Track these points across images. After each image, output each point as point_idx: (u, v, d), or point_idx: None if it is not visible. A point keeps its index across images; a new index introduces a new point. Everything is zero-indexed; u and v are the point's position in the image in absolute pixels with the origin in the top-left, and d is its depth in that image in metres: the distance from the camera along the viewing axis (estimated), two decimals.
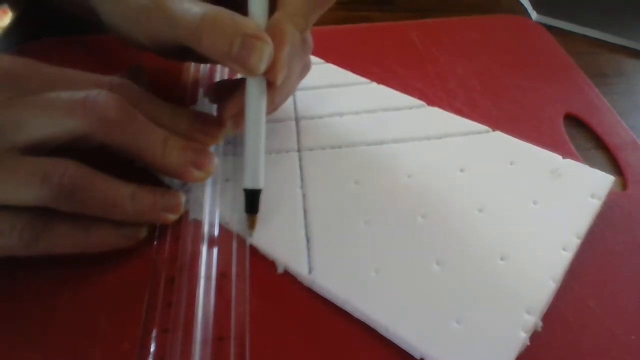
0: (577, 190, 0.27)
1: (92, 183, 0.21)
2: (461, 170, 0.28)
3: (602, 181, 0.27)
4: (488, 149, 0.29)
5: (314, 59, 0.36)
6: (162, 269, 0.23)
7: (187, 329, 0.21)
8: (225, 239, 0.24)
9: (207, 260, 0.23)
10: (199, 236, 0.24)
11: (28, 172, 0.20)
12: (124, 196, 0.22)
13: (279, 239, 0.25)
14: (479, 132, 0.30)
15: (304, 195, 0.27)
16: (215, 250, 0.24)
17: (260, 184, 0.24)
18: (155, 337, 0.21)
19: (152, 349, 0.21)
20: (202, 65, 0.34)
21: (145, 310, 0.22)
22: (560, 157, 0.29)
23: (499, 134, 0.30)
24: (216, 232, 0.25)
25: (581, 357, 0.22)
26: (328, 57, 0.36)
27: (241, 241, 0.24)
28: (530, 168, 0.28)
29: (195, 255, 0.24)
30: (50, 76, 0.23)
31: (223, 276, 0.23)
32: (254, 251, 0.24)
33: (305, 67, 0.29)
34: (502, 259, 0.24)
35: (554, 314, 0.23)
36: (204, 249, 0.24)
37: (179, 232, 0.25)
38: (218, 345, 0.21)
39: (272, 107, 0.26)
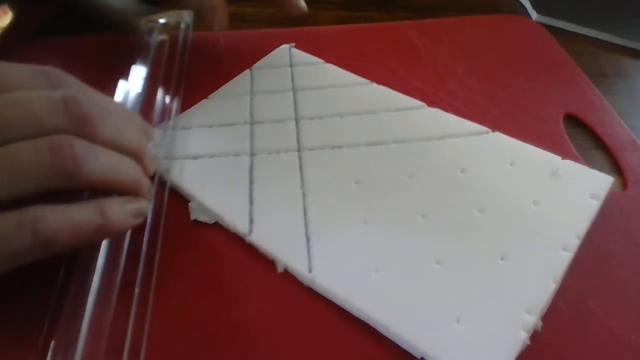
0: (576, 191, 0.27)
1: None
2: (461, 171, 0.28)
3: (601, 182, 0.27)
4: (488, 150, 0.29)
5: (314, 59, 0.36)
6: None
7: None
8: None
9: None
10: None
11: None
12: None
13: (279, 238, 0.25)
14: (479, 133, 0.30)
15: (304, 195, 0.27)
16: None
17: None
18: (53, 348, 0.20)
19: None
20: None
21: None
22: (559, 158, 0.29)
23: (498, 134, 0.30)
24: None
25: (581, 357, 0.22)
26: (328, 57, 0.36)
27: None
28: (530, 169, 0.28)
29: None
30: None
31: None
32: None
33: None
34: (502, 259, 0.24)
35: (554, 314, 0.23)
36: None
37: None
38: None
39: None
